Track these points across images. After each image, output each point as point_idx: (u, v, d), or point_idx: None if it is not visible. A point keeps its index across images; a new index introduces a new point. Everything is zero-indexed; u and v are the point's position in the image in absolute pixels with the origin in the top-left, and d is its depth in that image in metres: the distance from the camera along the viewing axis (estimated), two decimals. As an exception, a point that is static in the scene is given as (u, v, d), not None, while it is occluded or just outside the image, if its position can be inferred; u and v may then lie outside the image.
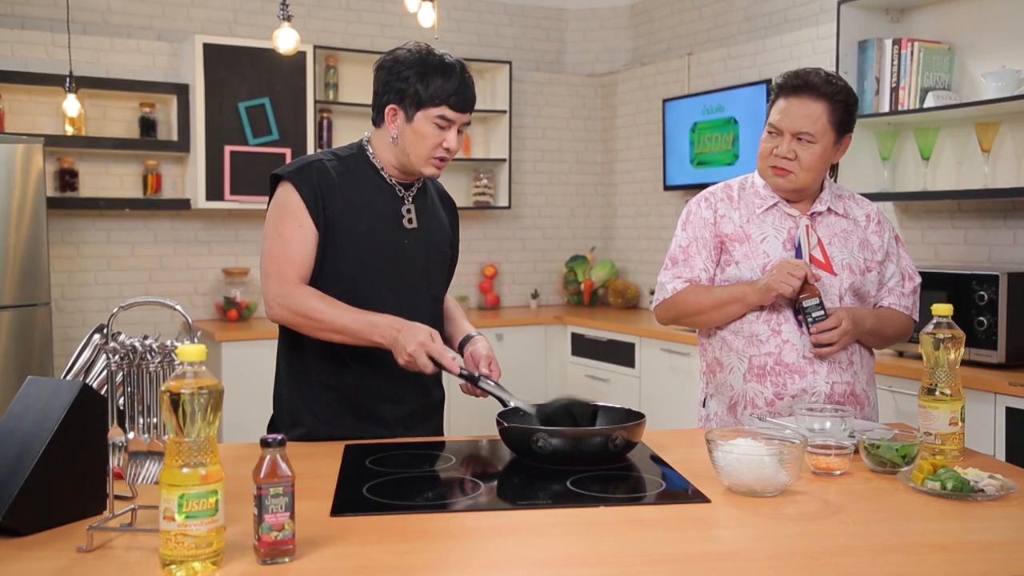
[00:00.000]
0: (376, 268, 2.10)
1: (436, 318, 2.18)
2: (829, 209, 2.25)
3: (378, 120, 2.12)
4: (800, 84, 2.13)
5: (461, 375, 2.01)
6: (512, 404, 1.96)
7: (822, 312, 2.07)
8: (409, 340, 1.93)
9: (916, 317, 2.29)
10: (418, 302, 2.13)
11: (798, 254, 2.19)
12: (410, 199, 2.17)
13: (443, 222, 2.26)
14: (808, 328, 2.10)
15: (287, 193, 2.06)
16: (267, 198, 2.14)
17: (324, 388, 2.11)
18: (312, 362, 2.12)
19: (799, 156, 2.13)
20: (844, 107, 2.16)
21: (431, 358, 1.94)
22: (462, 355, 2.17)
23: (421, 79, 2.02)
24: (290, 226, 2.04)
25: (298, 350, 2.13)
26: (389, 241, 2.11)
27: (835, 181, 2.37)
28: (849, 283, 2.19)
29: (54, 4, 4.69)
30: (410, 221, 2.15)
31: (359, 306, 2.02)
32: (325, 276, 2.06)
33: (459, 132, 2.08)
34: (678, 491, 1.64)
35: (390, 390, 2.12)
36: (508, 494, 1.70)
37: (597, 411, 1.95)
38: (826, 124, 2.13)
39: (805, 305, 2.08)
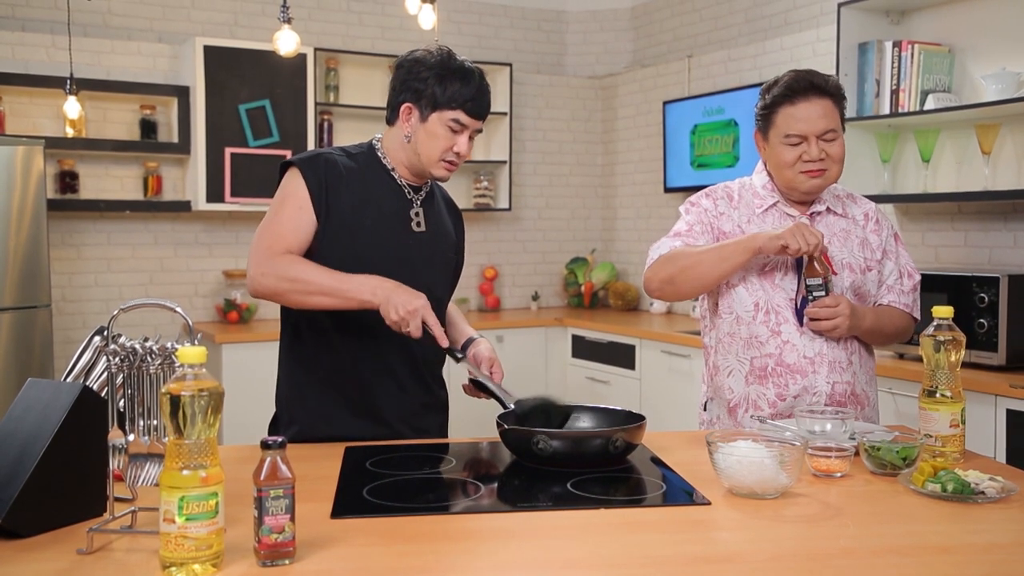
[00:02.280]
0: (379, 265, 2.09)
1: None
2: (828, 209, 2.25)
3: (392, 118, 2.13)
4: (807, 86, 2.14)
5: (449, 351, 2.02)
6: (502, 397, 1.99)
7: (823, 292, 2.09)
8: (409, 299, 1.92)
9: (917, 315, 2.29)
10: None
11: (798, 254, 2.19)
12: (419, 202, 2.17)
13: (448, 227, 2.26)
14: (806, 305, 2.11)
15: (293, 179, 2.06)
16: (268, 200, 2.14)
17: (325, 385, 2.11)
18: (313, 359, 2.12)
19: (828, 153, 2.16)
20: (843, 101, 2.22)
21: (424, 325, 1.93)
22: (465, 357, 2.17)
23: (439, 81, 2.03)
24: (289, 209, 2.05)
25: (299, 347, 2.14)
26: (393, 240, 2.11)
27: None
28: (850, 282, 2.20)
29: (55, 6, 4.69)
30: (418, 224, 2.15)
31: None
32: None
33: (470, 138, 2.09)
34: (679, 493, 1.64)
35: (392, 388, 2.12)
36: (509, 496, 1.70)
37: (570, 415, 1.97)
38: (838, 118, 2.18)
39: (808, 283, 2.09)
